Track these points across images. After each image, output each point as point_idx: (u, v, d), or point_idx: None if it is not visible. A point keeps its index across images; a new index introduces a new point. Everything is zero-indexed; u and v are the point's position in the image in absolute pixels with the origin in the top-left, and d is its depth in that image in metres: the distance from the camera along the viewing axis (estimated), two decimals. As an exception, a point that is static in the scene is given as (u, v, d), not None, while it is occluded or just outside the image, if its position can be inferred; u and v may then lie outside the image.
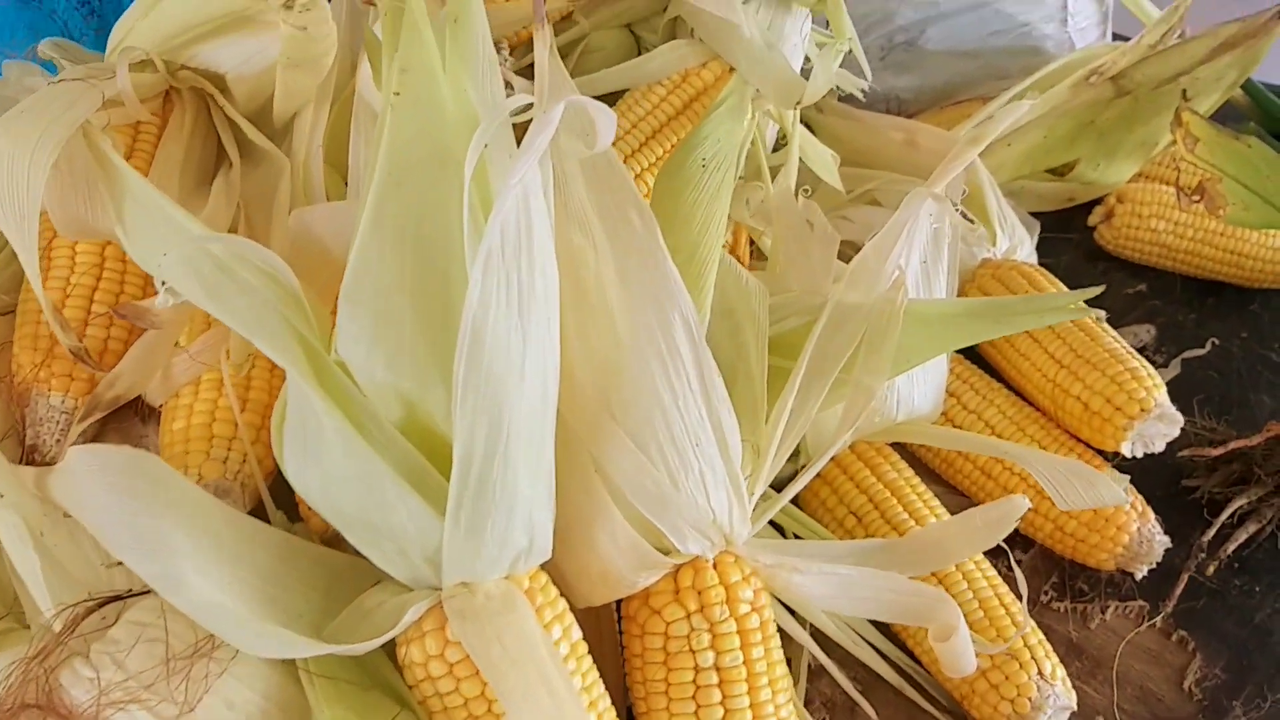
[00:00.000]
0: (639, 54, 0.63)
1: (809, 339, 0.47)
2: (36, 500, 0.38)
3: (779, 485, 0.47)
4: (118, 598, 0.37)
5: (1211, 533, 0.54)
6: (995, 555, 0.50)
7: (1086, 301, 0.68)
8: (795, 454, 0.51)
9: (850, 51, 0.64)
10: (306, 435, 0.35)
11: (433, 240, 0.37)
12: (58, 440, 0.46)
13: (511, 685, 0.34)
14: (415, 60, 0.38)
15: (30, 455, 0.46)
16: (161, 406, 0.45)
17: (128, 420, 0.49)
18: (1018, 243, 0.67)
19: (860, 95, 0.66)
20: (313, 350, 0.36)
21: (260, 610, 0.36)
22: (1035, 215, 0.78)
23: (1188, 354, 0.68)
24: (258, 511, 0.43)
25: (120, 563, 0.39)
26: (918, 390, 0.54)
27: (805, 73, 0.59)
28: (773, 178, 0.65)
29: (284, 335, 0.35)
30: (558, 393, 0.38)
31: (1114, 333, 0.59)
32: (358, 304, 0.35)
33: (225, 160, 0.52)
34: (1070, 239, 0.80)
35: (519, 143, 0.36)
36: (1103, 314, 0.56)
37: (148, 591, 0.38)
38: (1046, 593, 0.54)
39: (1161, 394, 0.54)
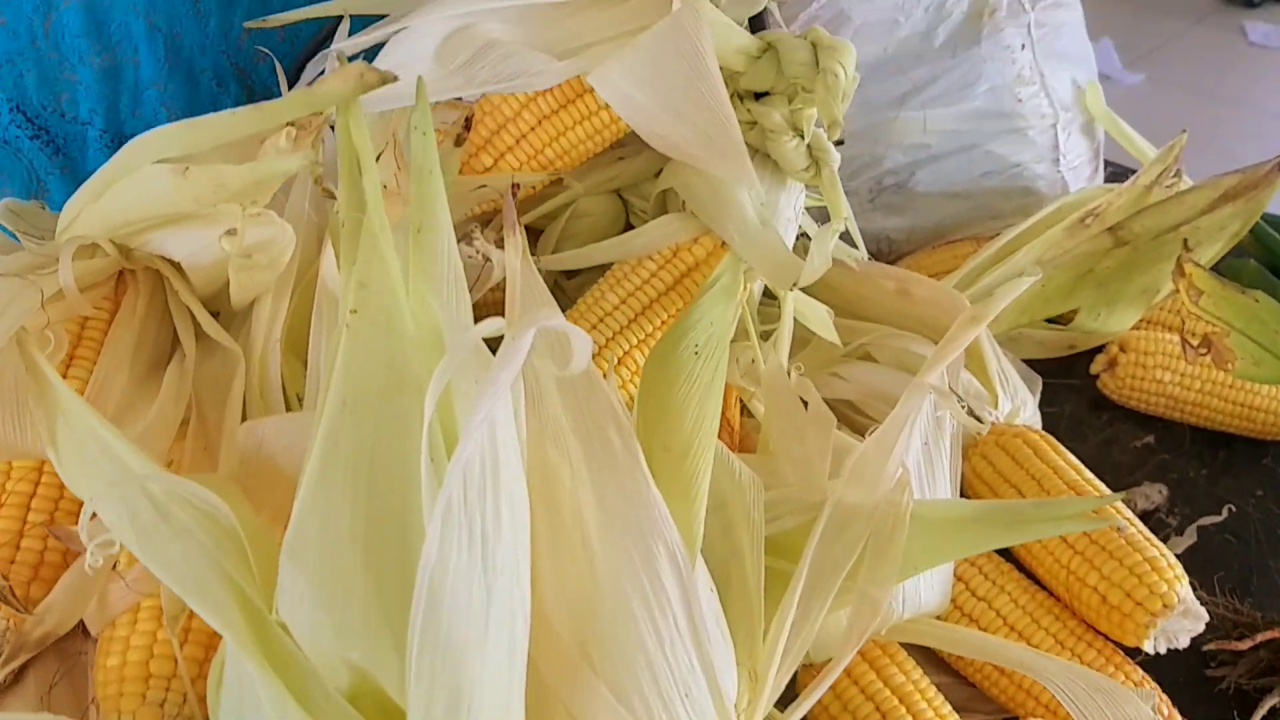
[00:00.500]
0: (627, 220, 0.61)
1: (809, 542, 0.43)
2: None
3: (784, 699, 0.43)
4: None
5: (1245, 735, 0.50)
6: None
7: (1099, 452, 0.65)
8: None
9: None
10: (243, 703, 0.31)
11: (390, 481, 0.33)
12: (-1, 664, 0.41)
13: None
14: (374, 275, 0.35)
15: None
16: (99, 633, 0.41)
17: (68, 634, 0.44)
18: (1020, 404, 0.64)
19: (854, 265, 0.64)
20: (251, 608, 0.32)
21: None
22: (1035, 362, 0.75)
23: (1204, 520, 0.65)
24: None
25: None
26: (924, 585, 0.50)
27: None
28: (765, 336, 0.63)
29: (219, 591, 0.32)
30: (529, 638, 0.34)
31: (1128, 512, 0.55)
32: (302, 561, 0.31)
33: (179, 346, 0.49)
34: (1073, 385, 0.77)
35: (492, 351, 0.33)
36: (1119, 498, 0.53)
37: None
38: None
39: (1183, 587, 0.51)
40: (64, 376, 0.46)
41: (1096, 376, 0.75)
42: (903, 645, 0.52)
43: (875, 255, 0.84)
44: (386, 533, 0.32)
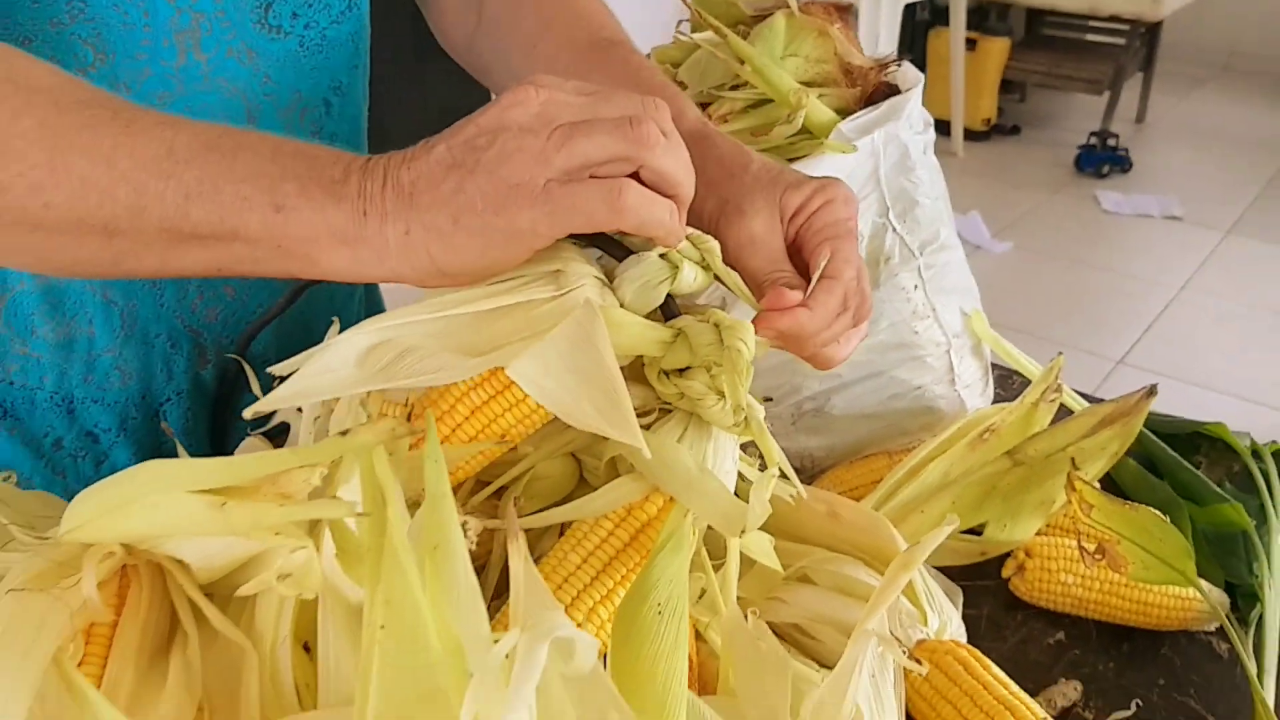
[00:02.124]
0: (581, 477, 0.67)
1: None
2: None
3: None
4: None
5: None
6: None
7: (1016, 651, 0.72)
8: None
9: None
10: None
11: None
12: None
13: None
14: (398, 593, 0.40)
15: None
16: None
17: None
18: (946, 620, 0.71)
19: (790, 500, 0.71)
20: None
21: None
22: (951, 567, 0.83)
23: (1116, 715, 0.71)
24: None
25: None
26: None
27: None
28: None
29: None
30: None
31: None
32: None
33: (180, 632, 0.52)
34: (988, 587, 0.85)
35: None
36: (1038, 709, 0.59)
37: None
38: None
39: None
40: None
41: (1008, 579, 0.83)
42: None
43: (799, 470, 0.92)
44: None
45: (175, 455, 0.83)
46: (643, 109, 0.54)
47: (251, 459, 0.42)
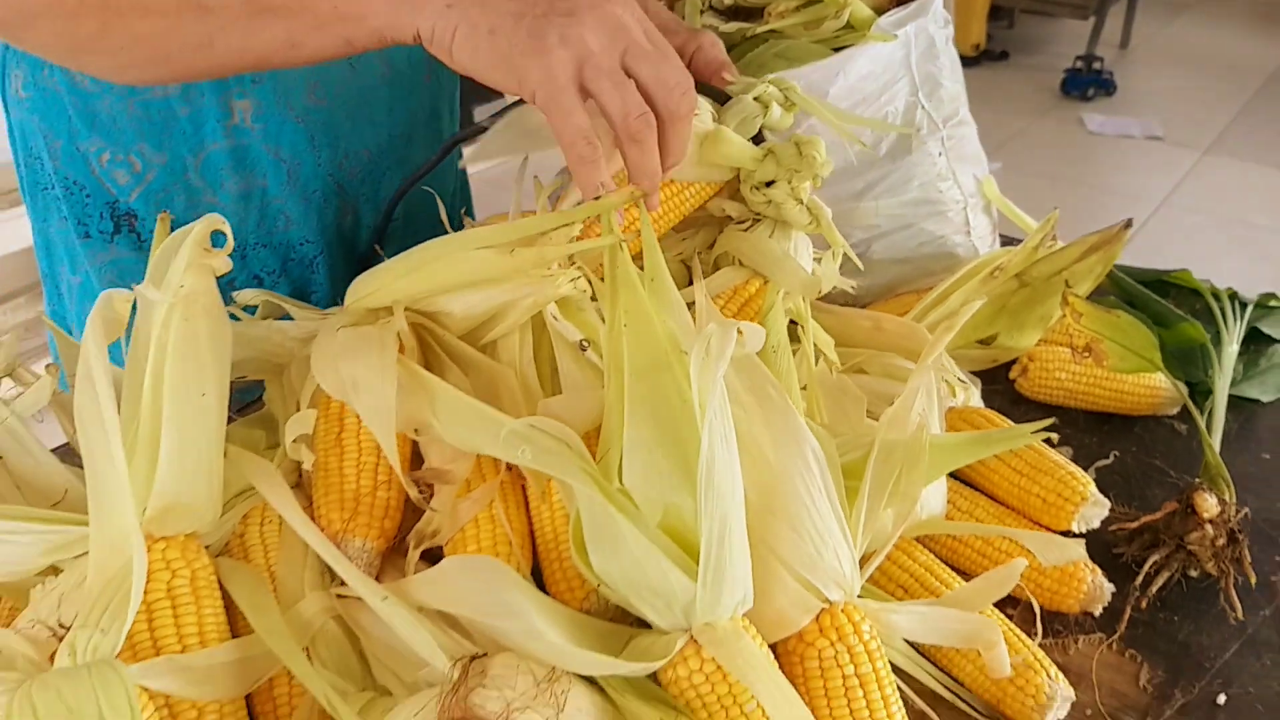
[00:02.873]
0: (689, 280, 0.89)
1: (868, 465, 0.70)
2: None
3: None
4: (478, 657, 0.57)
5: (1139, 581, 0.79)
6: (999, 607, 0.73)
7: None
8: (858, 547, 0.74)
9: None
10: (605, 537, 0.57)
11: (668, 412, 0.59)
12: (364, 570, 0.65)
13: (756, 683, 0.55)
14: (632, 304, 0.62)
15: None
16: (444, 542, 0.66)
17: (391, 556, 0.68)
18: (969, 395, 0.93)
19: (852, 289, 0.92)
20: (601, 482, 0.57)
21: (577, 648, 0.56)
22: (972, 373, 1.05)
23: (1099, 464, 0.94)
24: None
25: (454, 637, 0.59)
26: (932, 497, 0.78)
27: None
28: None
29: (581, 474, 0.57)
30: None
31: (1052, 451, 0.84)
32: (634, 453, 0.57)
33: (437, 368, 0.73)
34: (998, 389, 1.07)
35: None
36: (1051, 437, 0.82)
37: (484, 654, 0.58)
38: (1034, 633, 0.77)
39: (1093, 488, 0.80)
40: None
41: (1014, 381, 1.05)
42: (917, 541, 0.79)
43: (845, 304, 1.14)
44: (672, 435, 0.58)
45: (323, 299, 1.05)
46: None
47: (526, 221, 0.64)
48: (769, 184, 0.83)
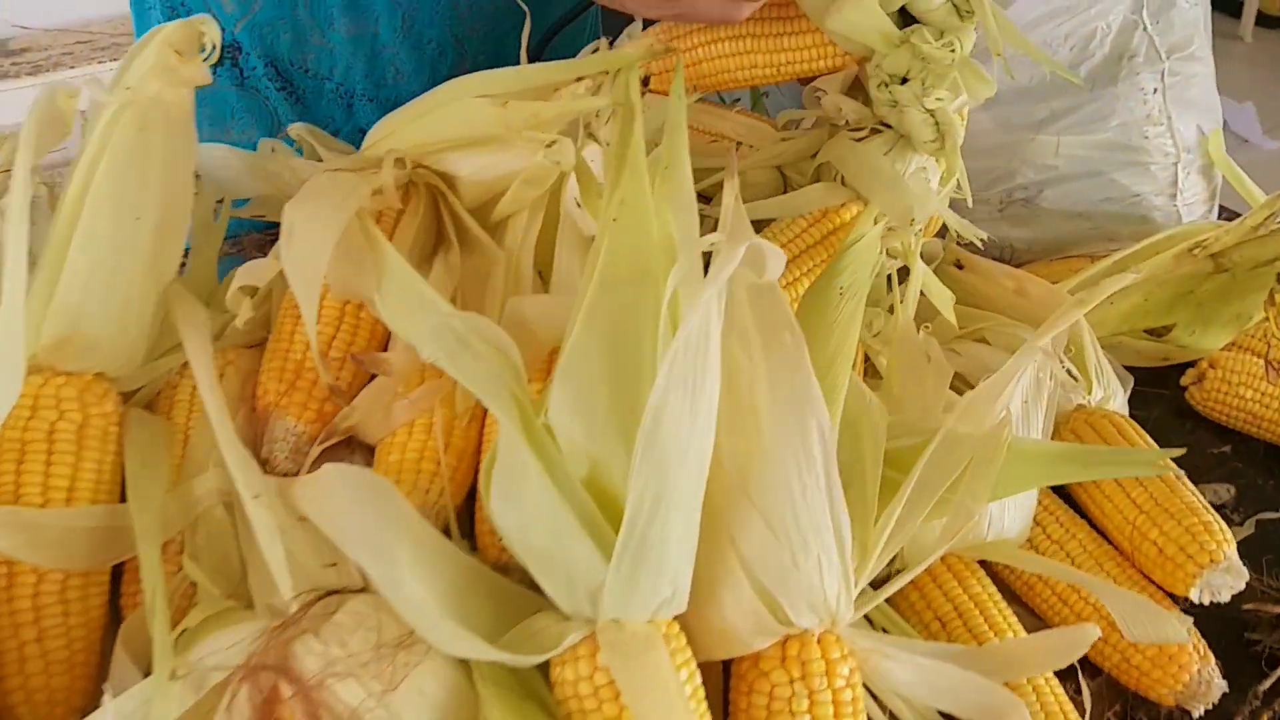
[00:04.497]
0: (784, 190, 0.73)
1: (920, 458, 0.54)
2: (280, 504, 0.48)
3: (877, 584, 0.54)
4: (337, 592, 0.46)
5: (1268, 684, 0.59)
6: (1064, 676, 0.56)
7: (1177, 464, 0.75)
8: (893, 558, 0.58)
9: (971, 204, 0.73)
10: (512, 480, 0.44)
11: (631, 338, 0.46)
12: (287, 457, 0.55)
13: (648, 712, 0.42)
14: (633, 194, 0.48)
15: (264, 467, 0.56)
16: (376, 442, 0.55)
17: (338, 450, 0.58)
18: (1111, 394, 0.74)
19: (979, 244, 0.74)
20: (526, 412, 0.45)
21: (452, 617, 0.44)
22: (1130, 369, 0.85)
23: (1263, 515, 0.73)
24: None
25: (334, 565, 0.49)
26: (1008, 515, 0.61)
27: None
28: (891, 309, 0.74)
29: (506, 398, 0.45)
30: (707, 473, 0.46)
31: (1193, 488, 0.64)
32: (567, 382, 0.44)
33: (444, 244, 0.62)
34: (1162, 394, 0.86)
35: (706, 268, 0.45)
36: (1183, 473, 0.62)
37: (361, 590, 0.47)
38: (1108, 719, 0.60)
39: (1231, 549, 0.60)
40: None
41: (1185, 389, 0.84)
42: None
43: (998, 259, 0.94)
44: (626, 372, 0.45)
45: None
46: None
47: (532, 69, 0.51)
48: (903, 81, 0.66)
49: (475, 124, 0.54)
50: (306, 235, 0.50)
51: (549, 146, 0.52)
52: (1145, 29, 0.85)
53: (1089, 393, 0.73)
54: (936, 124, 0.64)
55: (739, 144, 0.74)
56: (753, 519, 0.47)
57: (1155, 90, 0.86)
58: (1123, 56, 0.85)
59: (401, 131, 0.58)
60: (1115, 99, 0.86)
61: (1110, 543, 0.65)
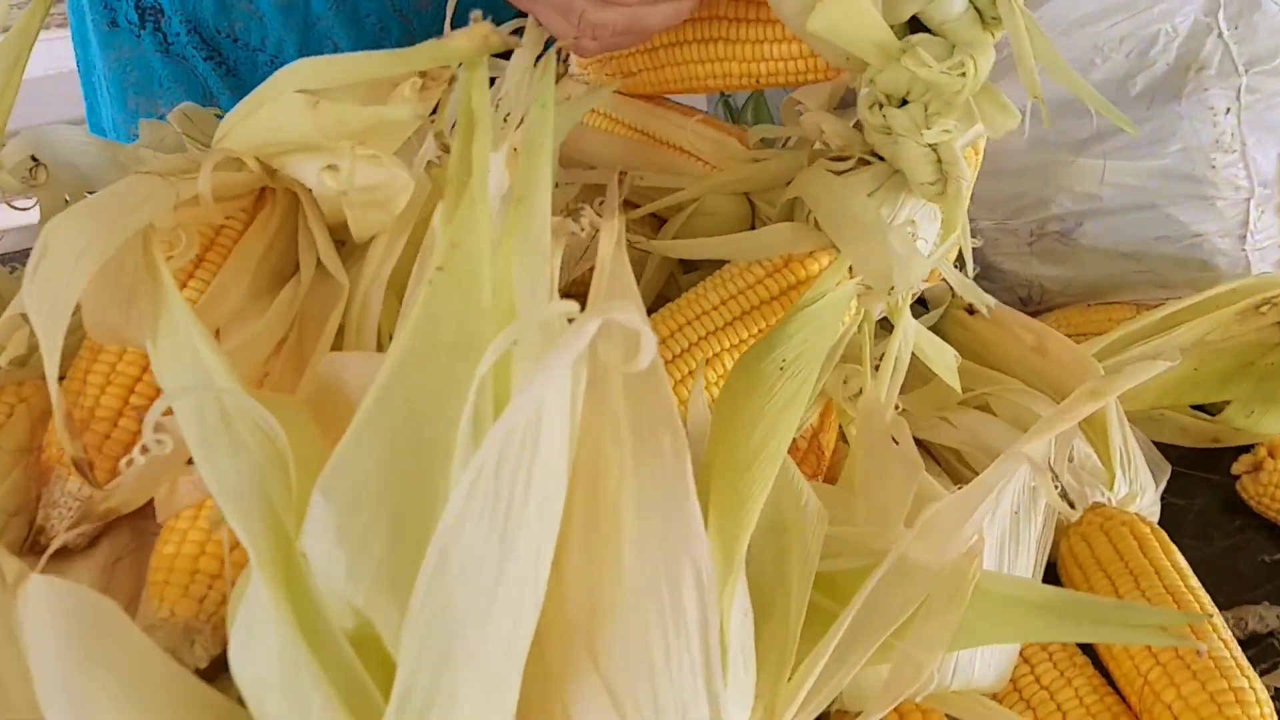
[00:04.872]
0: (753, 224, 0.60)
1: (862, 588, 0.42)
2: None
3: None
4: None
5: None
6: None
7: (1222, 559, 0.60)
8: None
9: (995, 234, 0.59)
10: (251, 624, 0.33)
11: (434, 438, 0.33)
12: (67, 526, 0.44)
13: None
14: (466, 237, 0.36)
15: (37, 535, 0.45)
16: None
17: (143, 514, 0.47)
18: (1138, 490, 0.60)
19: (986, 312, 0.60)
20: (280, 532, 0.33)
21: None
22: (1172, 447, 0.70)
23: (1321, 660, 0.59)
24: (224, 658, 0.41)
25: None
26: (981, 658, 0.48)
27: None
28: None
29: (255, 509, 0.33)
30: (539, 616, 0.34)
31: (1228, 633, 0.51)
32: (333, 497, 0.32)
33: (303, 268, 0.51)
34: (1209, 480, 0.71)
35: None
36: (1214, 611, 0.48)
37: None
38: None
39: (1271, 725, 0.46)
40: (189, 277, 0.49)
41: (1236, 477, 0.69)
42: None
43: (1024, 301, 0.80)
44: (419, 487, 0.33)
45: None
46: None
47: (355, 58, 0.38)
48: (901, 103, 0.52)
49: (289, 126, 0.42)
50: (59, 260, 0.39)
51: (328, 169, 0.40)
52: (1221, 34, 0.70)
53: (1110, 487, 0.59)
54: (939, 161, 0.50)
55: (702, 161, 0.60)
56: (593, 690, 0.34)
57: (1228, 110, 0.71)
58: (1190, 68, 0.70)
59: (237, 128, 0.46)
60: (1178, 118, 0.71)
61: (1115, 690, 0.51)
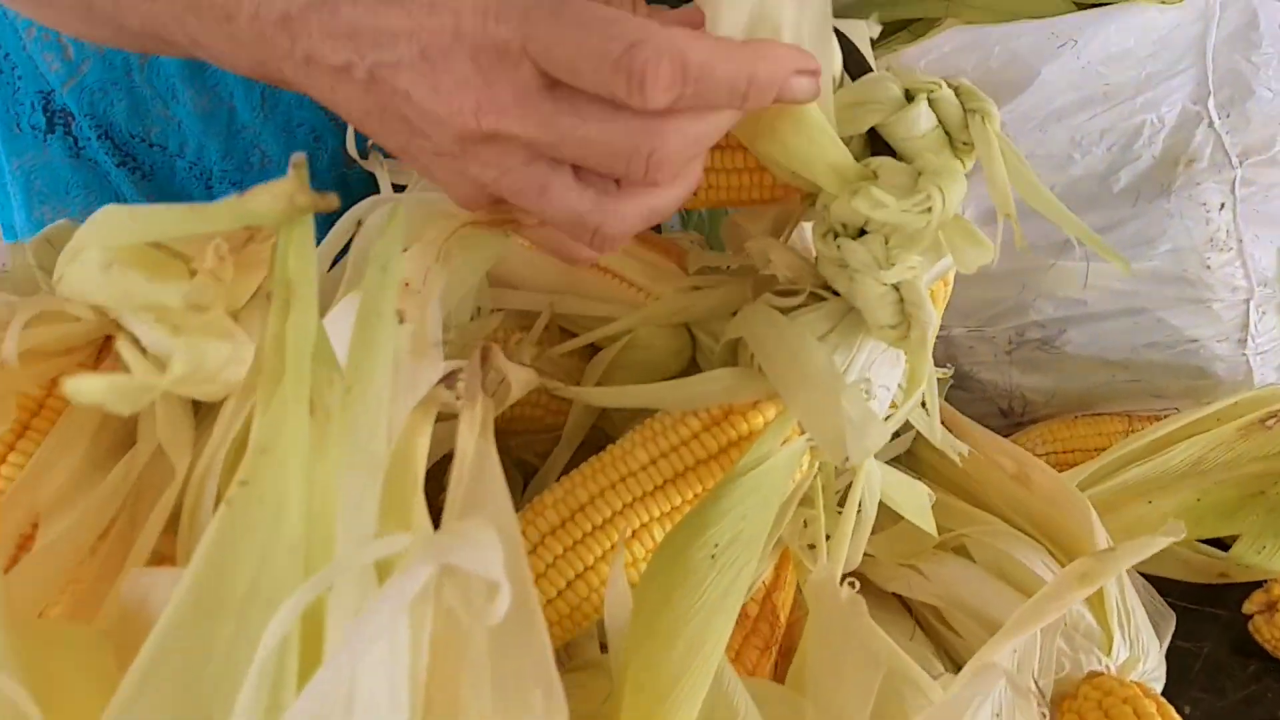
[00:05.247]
0: (693, 355, 0.52)
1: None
2: None
3: None
4: None
5: None
6: None
7: (1237, 713, 0.53)
8: None
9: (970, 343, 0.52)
10: None
11: (225, 714, 0.25)
12: None
13: None
14: (279, 441, 0.28)
15: None
16: None
17: None
18: (1140, 653, 0.52)
19: (958, 460, 0.53)
20: None
21: None
22: (1175, 583, 0.62)
23: None
24: None
25: None
26: None
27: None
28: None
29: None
30: None
31: None
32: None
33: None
34: (1219, 617, 0.63)
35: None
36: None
37: None
38: None
39: None
40: (9, 449, 0.42)
41: (1248, 617, 0.61)
42: None
43: (1004, 414, 0.73)
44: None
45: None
46: None
47: (151, 212, 0.30)
48: (860, 233, 0.44)
49: (91, 289, 0.35)
50: None
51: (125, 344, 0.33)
52: (1212, 124, 0.63)
53: (1107, 652, 0.51)
54: (901, 301, 0.43)
55: (636, 287, 0.53)
56: None
57: (1223, 206, 0.64)
58: (1179, 160, 0.63)
59: (67, 273, 0.39)
60: (1167, 216, 0.64)
61: None
